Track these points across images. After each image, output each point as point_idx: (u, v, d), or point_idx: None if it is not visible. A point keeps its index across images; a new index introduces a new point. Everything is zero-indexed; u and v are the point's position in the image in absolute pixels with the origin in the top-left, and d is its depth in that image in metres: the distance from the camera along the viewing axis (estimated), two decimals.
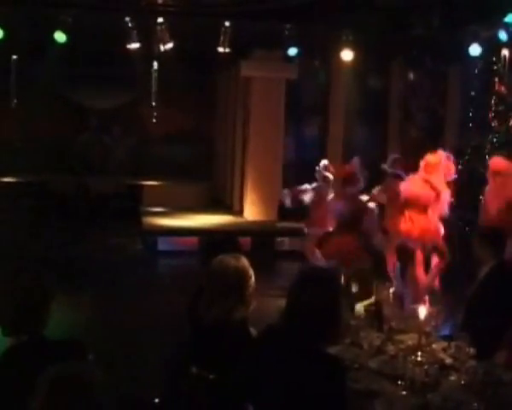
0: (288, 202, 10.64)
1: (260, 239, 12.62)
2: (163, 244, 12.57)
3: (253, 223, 14.08)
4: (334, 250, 9.16)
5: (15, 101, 16.19)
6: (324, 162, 10.69)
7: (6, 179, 15.26)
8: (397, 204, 9.40)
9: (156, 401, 3.98)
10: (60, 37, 11.42)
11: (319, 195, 10.44)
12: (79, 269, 10.74)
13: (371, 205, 9.87)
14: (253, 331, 3.75)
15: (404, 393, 3.77)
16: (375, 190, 10.15)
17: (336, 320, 3.28)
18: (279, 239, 12.87)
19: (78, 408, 2.35)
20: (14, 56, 15.41)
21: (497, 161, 9.19)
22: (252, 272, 3.79)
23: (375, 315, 4.75)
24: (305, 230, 10.61)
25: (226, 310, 3.73)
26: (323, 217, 10.20)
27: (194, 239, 12.47)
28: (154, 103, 17.00)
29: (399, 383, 3.85)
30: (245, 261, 3.80)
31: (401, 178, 9.73)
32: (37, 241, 11.85)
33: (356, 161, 9.95)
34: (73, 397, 2.37)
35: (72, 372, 2.48)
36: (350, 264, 8.35)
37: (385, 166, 10.28)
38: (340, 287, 3.29)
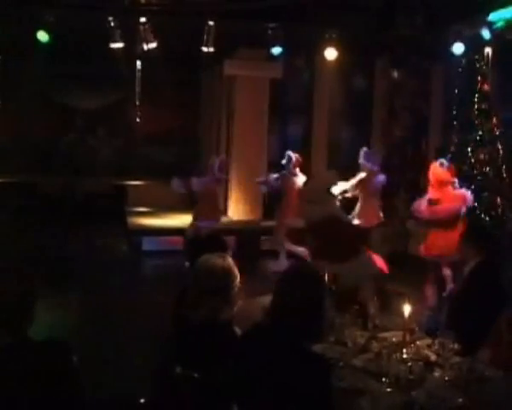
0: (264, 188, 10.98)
1: (245, 238, 12.61)
2: (148, 244, 12.55)
3: (238, 222, 14.08)
4: None
5: (0, 102, 16.11)
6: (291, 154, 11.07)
7: None
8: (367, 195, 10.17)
9: (142, 401, 3.97)
10: (42, 36, 11.36)
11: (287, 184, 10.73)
12: (66, 269, 10.71)
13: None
14: (238, 331, 3.75)
15: (389, 390, 3.77)
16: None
17: (321, 318, 3.28)
18: (264, 238, 12.87)
19: None
20: None
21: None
22: (237, 272, 3.79)
23: (360, 313, 4.76)
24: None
25: (213, 310, 3.72)
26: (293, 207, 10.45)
27: (178, 239, 12.45)
28: (138, 103, 16.96)
29: (384, 380, 3.85)
30: (230, 261, 3.80)
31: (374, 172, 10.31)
32: (23, 241, 11.80)
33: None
34: None
35: None
36: None
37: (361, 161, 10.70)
38: (325, 285, 3.28)
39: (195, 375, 3.53)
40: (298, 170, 11.18)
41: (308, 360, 3.24)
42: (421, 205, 9.42)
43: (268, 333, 3.28)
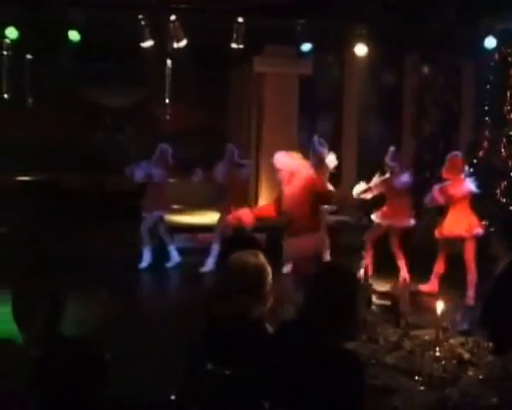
0: None
1: (276, 236, 12.56)
2: (178, 241, 12.56)
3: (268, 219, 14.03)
4: None
5: (30, 100, 16.24)
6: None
7: (21, 178, 15.32)
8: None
9: (172, 397, 3.97)
10: (73, 36, 11.46)
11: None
12: (94, 267, 10.74)
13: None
14: (269, 328, 3.73)
15: (422, 388, 3.74)
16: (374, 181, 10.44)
17: (354, 316, 3.26)
18: None
19: None
20: (29, 56, 15.44)
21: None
22: (269, 270, 3.77)
23: (392, 310, 4.73)
24: None
25: (245, 307, 3.71)
26: None
27: (209, 236, 12.45)
28: (167, 101, 16.99)
29: (417, 378, 3.82)
30: (263, 258, 3.78)
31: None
32: (51, 239, 11.88)
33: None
34: None
35: None
36: None
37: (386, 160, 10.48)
38: (358, 282, 3.26)
39: (226, 372, 3.52)
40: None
41: (341, 357, 3.22)
42: (434, 192, 9.58)
43: (300, 331, 3.27)
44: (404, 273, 10.22)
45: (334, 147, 14.93)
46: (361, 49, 12.08)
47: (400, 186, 10.17)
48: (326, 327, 3.18)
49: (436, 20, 12.21)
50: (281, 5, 11.20)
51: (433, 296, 7.58)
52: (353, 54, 12.34)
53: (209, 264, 10.88)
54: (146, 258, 11.09)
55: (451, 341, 4.37)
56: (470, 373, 3.97)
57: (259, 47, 13.87)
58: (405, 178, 10.21)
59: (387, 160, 10.42)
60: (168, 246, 11.41)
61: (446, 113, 14.06)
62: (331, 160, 10.84)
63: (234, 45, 11.82)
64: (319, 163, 10.48)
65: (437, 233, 9.72)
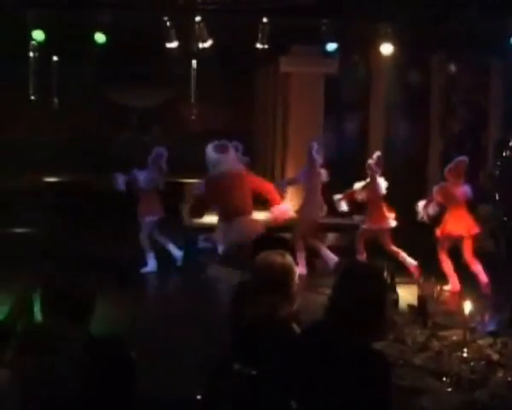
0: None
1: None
2: (204, 242, 12.56)
3: (295, 219, 14.02)
4: None
5: (57, 101, 16.36)
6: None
7: (48, 179, 15.42)
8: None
9: (199, 397, 3.97)
10: (99, 37, 11.54)
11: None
12: (122, 267, 10.79)
13: None
14: (296, 328, 3.72)
15: (450, 390, 3.70)
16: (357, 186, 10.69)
17: (382, 316, 3.23)
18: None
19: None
20: (55, 57, 15.56)
21: None
22: (296, 269, 3.75)
23: (419, 311, 4.69)
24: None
25: (272, 307, 3.70)
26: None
27: None
28: (193, 101, 17.03)
29: (445, 379, 3.79)
30: (290, 258, 3.77)
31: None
32: (79, 240, 11.95)
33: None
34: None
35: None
36: None
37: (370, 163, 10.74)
38: (386, 282, 3.23)
39: (253, 372, 3.51)
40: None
41: (368, 357, 3.19)
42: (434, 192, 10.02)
43: (327, 330, 3.25)
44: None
45: (360, 147, 14.94)
46: (387, 49, 12.03)
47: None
48: (354, 327, 3.16)
49: (463, 18, 12.11)
50: (306, 5, 11.17)
51: (460, 296, 7.52)
52: (379, 53, 12.28)
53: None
54: (151, 264, 10.99)
55: (480, 342, 4.34)
56: (499, 375, 3.93)
57: (285, 47, 13.86)
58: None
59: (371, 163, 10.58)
60: (167, 247, 11.31)
61: (474, 111, 13.95)
62: (323, 173, 11.03)
63: (259, 45, 11.82)
64: (312, 170, 10.80)
65: (439, 233, 9.93)
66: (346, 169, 11.80)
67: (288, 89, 14.69)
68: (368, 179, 10.54)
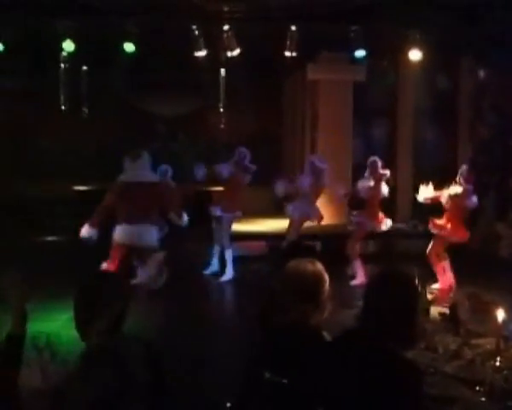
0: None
1: (330, 243, 12.52)
2: (233, 250, 12.58)
3: (323, 226, 14.00)
4: None
5: (86, 111, 16.50)
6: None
7: (78, 188, 15.53)
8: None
9: (228, 405, 3.97)
10: (128, 47, 11.63)
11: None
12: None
13: None
14: (327, 336, 3.71)
15: (483, 399, 3.67)
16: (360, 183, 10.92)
17: (414, 323, 3.21)
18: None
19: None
20: (84, 67, 15.70)
21: None
22: (327, 277, 3.74)
23: (451, 319, 4.65)
24: None
25: (302, 315, 3.69)
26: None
27: (262, 244, 12.47)
28: (221, 109, 17.09)
29: (478, 389, 3.75)
30: (320, 266, 3.75)
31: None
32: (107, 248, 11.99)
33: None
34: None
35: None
36: None
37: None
38: (418, 289, 3.21)
39: (284, 381, 3.51)
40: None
41: (400, 365, 3.17)
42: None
43: (359, 339, 3.23)
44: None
45: (389, 153, 14.88)
46: (415, 55, 11.98)
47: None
48: (386, 335, 3.15)
49: (491, 23, 12.03)
50: (334, 12, 11.16)
51: (494, 304, 7.45)
52: (407, 59, 12.23)
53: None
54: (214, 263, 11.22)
55: None
56: None
57: (313, 54, 13.85)
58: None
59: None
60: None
61: (503, 116, 13.82)
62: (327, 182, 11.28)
63: (287, 53, 11.82)
64: (316, 179, 11.02)
65: (440, 232, 10.22)
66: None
67: (317, 96, 14.68)
68: (456, 187, 10.38)
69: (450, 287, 9.84)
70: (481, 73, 13.70)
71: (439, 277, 10.11)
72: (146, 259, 9.32)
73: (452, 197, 10.22)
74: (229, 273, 11.08)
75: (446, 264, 10.20)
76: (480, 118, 13.95)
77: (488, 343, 4.26)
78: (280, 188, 11.22)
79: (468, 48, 13.29)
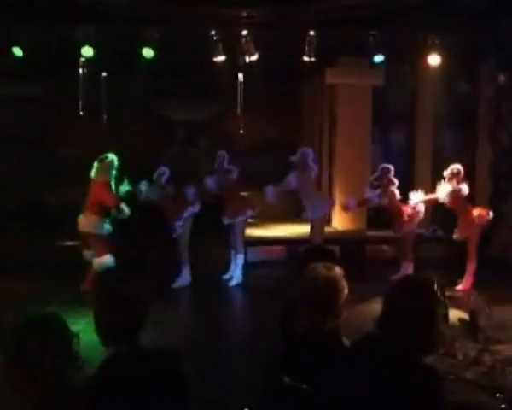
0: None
1: (350, 248, 12.52)
2: (251, 255, 12.58)
3: (342, 232, 13.99)
4: None
5: (105, 117, 16.55)
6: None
7: None
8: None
9: None
10: (147, 52, 11.67)
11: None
12: (169, 280, 10.86)
13: None
14: (346, 341, 3.69)
15: (504, 406, 3.64)
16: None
17: (433, 329, 3.20)
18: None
19: None
20: (104, 73, 15.77)
21: None
22: (344, 283, 3.71)
23: (471, 325, 4.62)
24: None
25: (315, 320, 3.68)
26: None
27: (281, 249, 12.46)
28: (240, 115, 17.09)
29: (498, 395, 3.72)
30: (337, 271, 3.73)
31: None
32: (127, 253, 12.03)
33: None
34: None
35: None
36: None
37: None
38: (437, 295, 3.19)
39: (304, 386, 3.50)
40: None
41: (420, 371, 3.16)
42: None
43: (378, 344, 3.22)
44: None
45: (408, 158, 14.82)
46: (434, 59, 11.94)
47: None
48: (405, 341, 3.13)
49: (511, 27, 11.96)
50: (353, 17, 11.14)
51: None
52: (427, 64, 12.19)
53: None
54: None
55: None
56: None
57: (331, 59, 13.84)
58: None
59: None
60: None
61: None
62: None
63: (306, 58, 11.82)
64: (305, 175, 11.14)
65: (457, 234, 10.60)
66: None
67: (335, 101, 14.67)
68: (452, 186, 10.48)
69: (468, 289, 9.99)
70: (501, 78, 13.61)
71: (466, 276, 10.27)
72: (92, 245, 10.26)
73: (451, 194, 10.48)
74: (236, 278, 11.12)
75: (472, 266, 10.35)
76: (500, 123, 13.85)
77: (508, 350, 4.23)
78: (270, 193, 11.25)
79: (488, 52, 13.21)
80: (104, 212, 10.38)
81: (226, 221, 11.25)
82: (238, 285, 11.03)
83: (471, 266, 10.37)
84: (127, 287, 3.21)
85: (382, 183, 11.01)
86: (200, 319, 9.18)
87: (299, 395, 3.49)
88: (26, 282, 10.56)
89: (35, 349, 2.63)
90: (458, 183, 10.41)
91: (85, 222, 10.25)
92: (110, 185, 10.52)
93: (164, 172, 11.47)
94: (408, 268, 10.84)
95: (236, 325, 9.12)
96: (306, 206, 11.15)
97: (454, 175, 10.47)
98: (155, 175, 11.39)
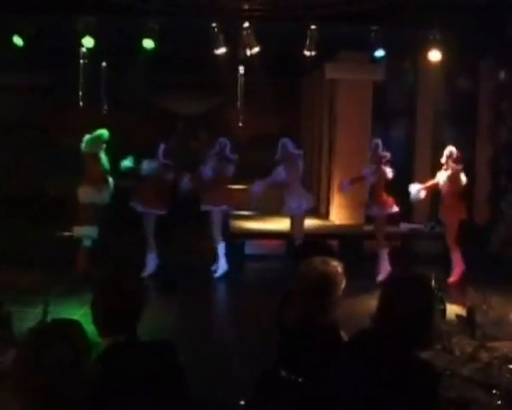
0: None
1: (348, 242, 12.51)
2: (250, 248, 12.59)
3: (340, 226, 13.99)
4: None
5: (106, 107, 16.53)
6: None
7: None
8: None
9: (242, 403, 3.97)
10: (148, 44, 11.64)
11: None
12: (168, 272, 10.85)
13: None
14: (344, 336, 3.69)
15: (500, 403, 3.64)
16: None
17: (429, 325, 3.20)
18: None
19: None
20: (104, 64, 15.75)
21: None
22: (341, 277, 3.70)
23: (468, 321, 4.62)
24: None
25: (311, 314, 3.68)
26: None
27: (279, 243, 12.46)
28: (240, 107, 17.08)
29: (494, 392, 3.72)
30: (333, 265, 3.72)
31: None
32: (130, 245, 12.02)
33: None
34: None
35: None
36: None
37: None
38: (433, 291, 3.20)
39: (300, 379, 3.50)
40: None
41: (416, 367, 3.16)
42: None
43: (374, 339, 3.22)
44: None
45: (408, 153, 14.82)
46: (435, 55, 11.92)
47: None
48: (401, 337, 3.13)
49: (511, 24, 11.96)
50: (354, 12, 11.12)
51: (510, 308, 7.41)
52: (427, 59, 12.17)
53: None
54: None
55: None
56: None
57: (332, 53, 13.82)
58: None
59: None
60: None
61: None
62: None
63: (306, 52, 11.80)
64: (295, 166, 11.22)
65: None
66: (393, 175, 11.69)
67: (335, 95, 14.65)
68: (450, 173, 10.59)
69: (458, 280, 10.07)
70: (501, 75, 13.59)
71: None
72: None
73: (448, 180, 10.66)
74: (221, 268, 11.09)
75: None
76: (500, 120, 13.84)
77: (505, 347, 4.24)
78: (257, 189, 11.28)
79: (488, 49, 13.20)
80: (93, 181, 10.72)
81: (203, 208, 11.22)
82: (227, 275, 10.99)
83: (456, 256, 10.46)
84: (124, 279, 3.21)
85: (374, 159, 10.99)
86: (194, 312, 9.16)
87: (295, 389, 3.50)
88: (24, 272, 10.56)
89: (48, 360, 2.47)
90: (456, 164, 10.50)
91: (80, 193, 10.67)
92: (98, 158, 10.82)
93: (163, 149, 11.60)
94: (384, 257, 10.79)
95: (234, 317, 9.12)
96: (289, 200, 11.13)
97: (448, 158, 10.63)
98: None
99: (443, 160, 10.71)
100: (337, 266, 3.72)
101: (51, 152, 16.06)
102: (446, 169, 10.63)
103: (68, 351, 2.52)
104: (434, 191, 11.26)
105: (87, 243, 10.59)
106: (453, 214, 10.61)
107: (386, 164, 10.87)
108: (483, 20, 12.05)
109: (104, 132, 10.96)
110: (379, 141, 11.11)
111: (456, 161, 10.56)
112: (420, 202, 11.42)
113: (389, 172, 10.87)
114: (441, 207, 11.00)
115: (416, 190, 11.03)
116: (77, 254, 10.45)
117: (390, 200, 10.85)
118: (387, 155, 10.92)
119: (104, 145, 10.98)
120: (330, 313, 3.72)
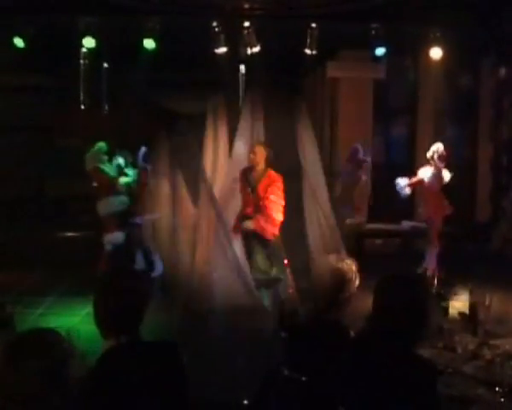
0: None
1: (350, 241, 12.50)
2: None
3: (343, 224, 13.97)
4: None
5: (107, 107, 16.53)
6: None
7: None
8: None
9: (245, 402, 3.97)
10: (149, 44, 11.64)
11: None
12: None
13: None
14: (352, 334, 3.70)
15: (502, 400, 3.64)
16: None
17: (424, 322, 3.19)
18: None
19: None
20: (105, 64, 15.74)
21: None
22: (352, 275, 3.72)
23: (470, 318, 4.62)
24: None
25: (316, 311, 3.69)
26: None
27: None
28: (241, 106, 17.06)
29: (497, 389, 3.72)
30: (346, 263, 3.75)
31: None
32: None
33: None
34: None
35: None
36: None
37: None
38: (427, 288, 3.20)
39: (303, 378, 3.51)
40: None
41: (415, 364, 3.16)
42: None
43: (371, 339, 3.23)
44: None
45: (409, 151, 14.81)
46: (436, 53, 11.91)
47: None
48: (396, 335, 3.14)
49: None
50: (355, 10, 11.12)
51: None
52: (428, 57, 12.16)
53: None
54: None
55: None
56: None
57: (333, 52, 13.81)
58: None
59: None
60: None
61: None
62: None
63: (307, 51, 11.79)
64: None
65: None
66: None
67: (336, 94, 14.65)
68: (433, 170, 10.50)
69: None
70: (502, 72, 13.59)
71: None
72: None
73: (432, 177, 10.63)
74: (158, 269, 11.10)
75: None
76: (501, 117, 13.85)
77: (507, 344, 4.24)
78: None
79: (490, 46, 13.20)
80: (105, 193, 10.83)
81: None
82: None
83: (431, 253, 10.38)
84: (125, 279, 3.21)
85: (351, 163, 11.39)
86: (197, 312, 9.16)
87: (298, 388, 3.50)
88: (25, 273, 10.57)
89: (22, 371, 2.46)
90: (440, 161, 10.48)
91: (98, 207, 10.83)
92: (101, 169, 10.84)
93: (143, 152, 11.97)
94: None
95: (237, 315, 9.11)
96: None
97: (434, 154, 10.60)
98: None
99: (428, 154, 10.63)
100: (351, 263, 3.75)
101: (51, 152, 16.06)
102: (431, 165, 10.58)
103: (47, 360, 2.51)
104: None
105: (108, 247, 10.62)
106: (437, 211, 10.54)
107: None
108: (483, 18, 12.04)
109: (102, 145, 10.99)
110: (358, 145, 11.23)
111: (440, 157, 10.52)
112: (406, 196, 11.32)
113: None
114: (424, 204, 10.96)
115: (402, 185, 10.97)
116: (99, 255, 10.45)
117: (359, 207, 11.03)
118: (368, 159, 11.04)
119: (106, 157, 11.02)
120: (340, 311, 3.74)
